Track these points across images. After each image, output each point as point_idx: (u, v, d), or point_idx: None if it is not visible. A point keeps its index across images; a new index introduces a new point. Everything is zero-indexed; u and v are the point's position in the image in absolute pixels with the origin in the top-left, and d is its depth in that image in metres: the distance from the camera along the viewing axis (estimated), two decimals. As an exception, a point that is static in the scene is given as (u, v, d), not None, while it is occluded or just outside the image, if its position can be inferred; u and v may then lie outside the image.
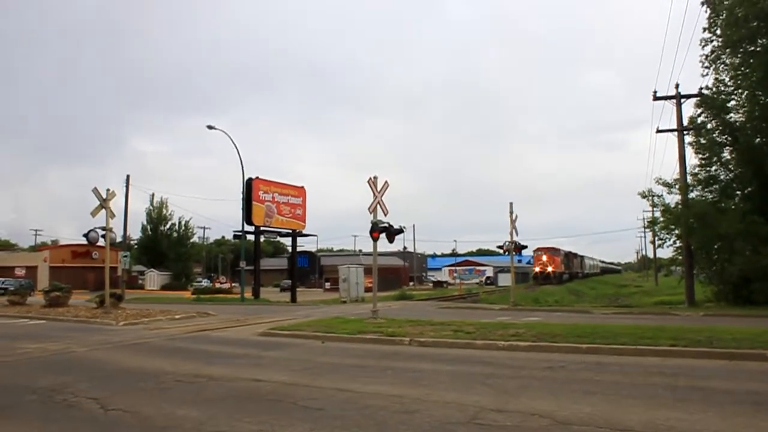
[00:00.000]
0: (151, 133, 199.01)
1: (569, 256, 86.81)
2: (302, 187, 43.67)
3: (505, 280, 69.03)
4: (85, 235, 24.03)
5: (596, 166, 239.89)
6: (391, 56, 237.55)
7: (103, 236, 23.91)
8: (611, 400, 7.47)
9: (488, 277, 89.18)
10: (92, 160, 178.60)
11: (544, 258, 75.74)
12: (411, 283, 79.15)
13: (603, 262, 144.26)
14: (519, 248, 32.99)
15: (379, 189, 19.24)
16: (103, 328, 19.10)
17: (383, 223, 19.02)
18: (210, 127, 41.44)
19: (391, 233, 19.16)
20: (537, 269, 76.03)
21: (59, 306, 27.24)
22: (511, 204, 30.23)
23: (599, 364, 10.31)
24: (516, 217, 30.17)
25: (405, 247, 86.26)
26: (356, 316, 20.02)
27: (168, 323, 20.61)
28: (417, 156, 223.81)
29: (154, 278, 71.27)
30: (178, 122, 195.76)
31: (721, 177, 29.82)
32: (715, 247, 28.84)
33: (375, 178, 19.36)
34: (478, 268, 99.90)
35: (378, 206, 19.12)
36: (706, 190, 30.16)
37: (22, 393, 8.49)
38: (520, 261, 59.15)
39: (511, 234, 30.36)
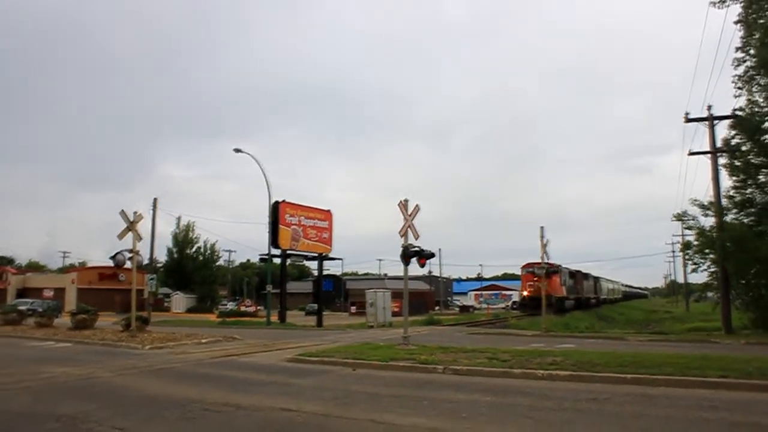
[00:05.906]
0: (179, 157, 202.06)
1: (576, 277, 67.85)
2: (329, 211, 43.54)
3: (532, 305, 67.68)
4: (112, 258, 23.86)
5: (623, 190, 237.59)
6: (420, 82, 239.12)
7: (130, 259, 23.76)
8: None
9: (514, 302, 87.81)
10: (121, 184, 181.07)
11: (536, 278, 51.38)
12: (437, 308, 78.38)
13: (627, 286, 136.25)
14: (550, 273, 32.24)
15: (409, 212, 18.78)
16: (128, 352, 18.90)
17: (414, 246, 18.56)
18: (237, 150, 41.51)
19: (423, 257, 18.63)
20: (525, 293, 56.16)
21: (85, 328, 27.22)
22: (542, 228, 29.24)
23: (646, 396, 9.75)
24: (547, 241, 29.28)
25: (430, 272, 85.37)
26: (386, 342, 19.58)
27: (194, 348, 20.33)
28: (444, 180, 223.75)
29: (179, 301, 71.55)
30: (206, 146, 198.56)
31: (758, 200, 28.94)
32: (752, 272, 27.93)
33: (406, 201, 18.90)
34: (504, 292, 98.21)
35: (409, 230, 18.66)
36: (741, 213, 29.26)
37: (43, 420, 8.22)
38: (547, 286, 54.71)
39: (542, 258, 29.64)
